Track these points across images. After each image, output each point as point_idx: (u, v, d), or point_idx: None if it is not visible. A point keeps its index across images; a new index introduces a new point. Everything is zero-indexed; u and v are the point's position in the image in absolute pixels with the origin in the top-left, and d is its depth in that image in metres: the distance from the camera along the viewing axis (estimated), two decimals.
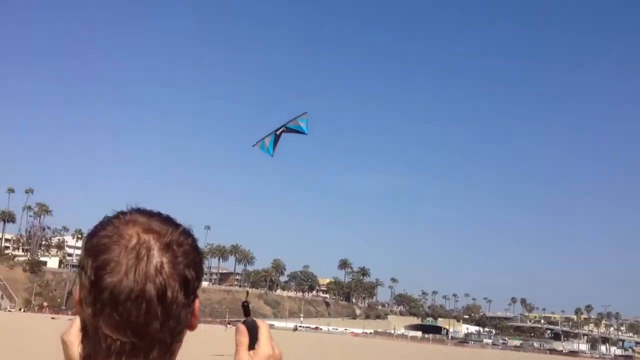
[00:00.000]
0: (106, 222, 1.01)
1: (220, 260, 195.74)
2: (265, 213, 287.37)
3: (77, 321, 1.07)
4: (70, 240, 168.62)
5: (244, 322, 1.21)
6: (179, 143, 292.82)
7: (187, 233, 1.04)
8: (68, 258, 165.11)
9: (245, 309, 1.25)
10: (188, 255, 1.01)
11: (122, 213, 1.02)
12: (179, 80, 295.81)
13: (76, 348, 1.07)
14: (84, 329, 0.98)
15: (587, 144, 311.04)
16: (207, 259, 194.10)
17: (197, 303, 1.08)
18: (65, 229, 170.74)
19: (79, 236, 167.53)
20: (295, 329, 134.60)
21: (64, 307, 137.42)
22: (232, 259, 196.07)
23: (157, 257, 0.96)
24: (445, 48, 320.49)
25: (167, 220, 1.02)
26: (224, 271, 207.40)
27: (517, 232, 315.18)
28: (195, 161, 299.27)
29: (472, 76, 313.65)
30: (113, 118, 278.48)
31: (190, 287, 1.01)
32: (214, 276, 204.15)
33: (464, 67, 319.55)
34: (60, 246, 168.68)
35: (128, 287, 0.93)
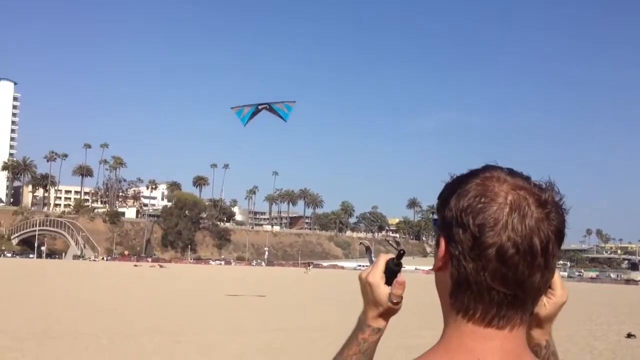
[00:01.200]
0: (468, 180, 1.03)
1: (290, 204, 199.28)
2: (332, 156, 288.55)
3: (381, 262, 1.22)
4: (145, 190, 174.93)
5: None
6: (243, 90, 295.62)
7: (550, 187, 1.05)
8: (144, 208, 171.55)
9: (399, 256, 1.27)
10: (559, 210, 1.03)
11: (480, 170, 1.05)
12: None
13: (383, 289, 1.21)
14: (459, 282, 1.01)
15: None
16: (277, 203, 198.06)
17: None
18: (140, 180, 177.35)
19: (154, 187, 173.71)
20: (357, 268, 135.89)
21: (143, 255, 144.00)
22: (301, 203, 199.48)
23: (537, 212, 0.98)
24: None
25: (528, 177, 1.04)
26: (294, 215, 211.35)
27: (589, 160, 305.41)
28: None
29: None
30: (179, 74, 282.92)
31: (562, 241, 1.04)
32: (284, 220, 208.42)
33: None
34: (136, 197, 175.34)
35: (515, 243, 0.96)
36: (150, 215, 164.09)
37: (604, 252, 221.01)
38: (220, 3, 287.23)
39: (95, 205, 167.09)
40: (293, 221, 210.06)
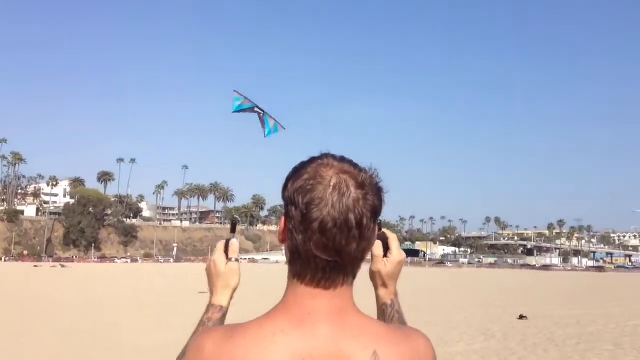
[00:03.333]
0: (306, 166, 1.22)
1: (200, 199, 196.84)
2: (244, 150, 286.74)
3: (219, 247, 1.48)
4: (45, 187, 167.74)
5: (377, 236, 1.40)
6: (150, 85, 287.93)
7: (371, 173, 1.23)
8: (45, 206, 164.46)
9: (378, 225, 1.39)
10: (375, 189, 1.22)
11: (317, 158, 1.24)
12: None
13: (224, 267, 1.46)
14: (293, 251, 1.21)
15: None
16: (187, 198, 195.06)
17: (376, 229, 1.26)
18: (41, 177, 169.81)
19: (55, 183, 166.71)
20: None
21: (43, 255, 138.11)
22: (211, 197, 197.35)
23: (354, 192, 1.17)
24: None
25: (354, 164, 1.24)
26: (204, 210, 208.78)
27: (489, 152, 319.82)
28: (170, 103, 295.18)
29: None
30: (80, 63, 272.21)
31: (377, 216, 1.22)
32: (194, 215, 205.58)
33: None
34: (36, 194, 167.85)
35: (334, 218, 1.16)
36: (51, 213, 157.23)
37: (502, 238, 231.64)
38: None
39: None
40: (203, 216, 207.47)
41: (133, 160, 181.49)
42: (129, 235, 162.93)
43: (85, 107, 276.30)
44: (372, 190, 1.21)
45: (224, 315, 1.45)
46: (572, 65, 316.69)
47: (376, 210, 1.21)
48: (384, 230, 1.47)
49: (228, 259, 1.47)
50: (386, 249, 1.49)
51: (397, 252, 1.49)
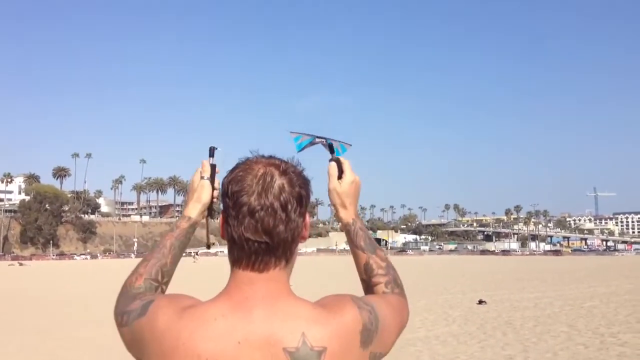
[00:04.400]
0: (240, 163, 1.36)
1: (159, 193, 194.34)
2: (201, 142, 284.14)
3: (207, 167, 1.64)
4: (0, 185, 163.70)
5: (332, 159, 1.67)
6: (105, 79, 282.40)
7: (297, 165, 1.38)
8: (0, 203, 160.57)
9: (330, 148, 1.70)
10: (299, 177, 1.35)
11: (249, 157, 1.37)
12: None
13: (208, 192, 1.63)
14: (230, 239, 1.32)
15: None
16: (145, 192, 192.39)
17: (307, 219, 1.38)
18: None
19: (9, 180, 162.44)
20: None
21: (1, 253, 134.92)
22: (170, 190, 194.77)
23: (279, 180, 1.31)
24: None
25: (281, 159, 1.37)
26: (164, 204, 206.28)
27: (445, 140, 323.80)
28: (124, 96, 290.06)
29: None
30: (31, 58, 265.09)
31: (302, 201, 1.34)
32: (154, 209, 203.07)
33: None
34: None
35: (260, 203, 1.28)
36: (6, 211, 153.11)
37: (461, 225, 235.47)
38: None
39: None
40: (163, 210, 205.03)
41: (89, 155, 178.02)
42: (87, 232, 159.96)
43: (38, 103, 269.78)
44: (295, 179, 1.33)
45: (191, 226, 1.63)
46: (531, 50, 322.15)
47: (301, 197, 1.33)
48: (338, 157, 1.68)
49: (201, 177, 1.63)
50: (341, 172, 1.64)
51: (349, 173, 1.64)
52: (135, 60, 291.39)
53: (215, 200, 1.64)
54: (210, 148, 1.67)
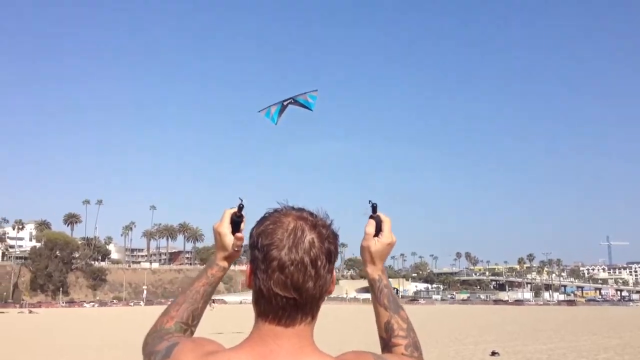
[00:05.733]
0: (268, 215, 1.37)
1: (169, 239, 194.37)
2: (212, 190, 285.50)
3: (226, 215, 1.63)
4: (11, 231, 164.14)
5: (372, 217, 1.64)
6: (116, 126, 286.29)
7: (326, 219, 1.37)
8: (10, 250, 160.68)
9: (373, 208, 1.64)
10: (329, 232, 1.35)
11: (278, 209, 1.38)
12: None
13: (229, 238, 1.62)
14: (257, 291, 1.33)
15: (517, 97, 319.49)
16: (156, 239, 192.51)
17: (334, 274, 1.37)
18: (5, 221, 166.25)
19: (20, 227, 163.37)
20: None
21: (10, 300, 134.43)
22: (180, 237, 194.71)
23: (309, 235, 1.31)
24: None
25: (311, 212, 1.37)
26: (174, 250, 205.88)
27: (456, 188, 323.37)
28: (135, 142, 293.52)
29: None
30: (43, 103, 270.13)
31: (331, 257, 1.34)
32: (164, 256, 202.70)
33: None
34: (1, 239, 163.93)
35: (291, 258, 1.28)
36: (17, 258, 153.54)
37: (474, 274, 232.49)
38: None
39: None
40: (173, 257, 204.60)
41: (100, 202, 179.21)
42: (97, 279, 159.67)
43: (49, 149, 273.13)
44: (326, 235, 1.34)
45: (222, 276, 1.70)
46: (539, 103, 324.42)
47: (330, 253, 1.34)
48: (379, 214, 1.65)
49: (233, 234, 1.63)
50: (379, 230, 1.63)
51: (388, 234, 1.63)
52: (147, 106, 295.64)
53: (236, 250, 1.65)
54: (239, 205, 1.65)
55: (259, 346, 1.32)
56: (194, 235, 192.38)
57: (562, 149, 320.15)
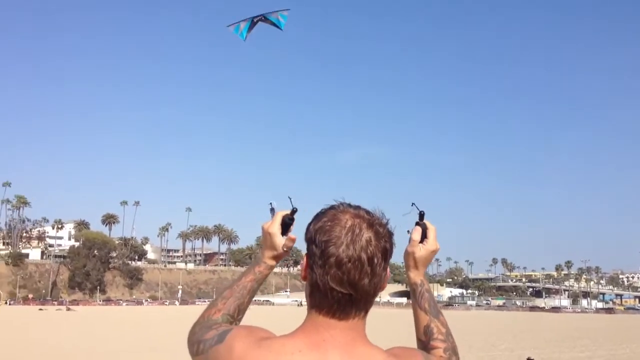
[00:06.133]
0: (325, 211, 1.42)
1: (204, 241, 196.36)
2: (247, 192, 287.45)
3: (278, 217, 1.70)
4: (50, 230, 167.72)
5: (418, 224, 1.71)
6: (154, 128, 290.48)
7: (383, 218, 1.42)
8: (50, 249, 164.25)
9: (421, 216, 1.71)
10: (385, 230, 1.40)
11: (335, 205, 1.43)
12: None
13: (279, 239, 1.70)
14: (313, 285, 1.38)
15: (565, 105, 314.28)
16: (191, 240, 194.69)
17: (388, 271, 1.41)
18: (45, 220, 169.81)
19: (60, 226, 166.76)
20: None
21: (49, 298, 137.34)
22: (215, 239, 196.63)
23: (366, 233, 1.35)
24: None
25: (367, 210, 1.41)
26: (208, 252, 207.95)
27: (494, 193, 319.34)
28: (173, 144, 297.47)
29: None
30: (82, 104, 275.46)
31: (387, 255, 1.39)
32: (199, 257, 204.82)
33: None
34: (41, 237, 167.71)
35: (348, 255, 1.33)
36: (56, 256, 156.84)
37: (510, 280, 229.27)
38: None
39: None
40: (207, 258, 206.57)
41: (137, 203, 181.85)
42: (134, 278, 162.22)
43: (89, 151, 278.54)
44: (382, 233, 1.39)
45: (268, 274, 1.77)
46: (571, 111, 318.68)
47: (386, 251, 1.39)
48: (425, 221, 1.72)
49: (283, 245, 1.71)
50: (424, 237, 1.71)
51: (433, 242, 1.71)
52: (187, 111, 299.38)
53: (286, 250, 1.72)
54: (293, 209, 1.72)
55: (313, 335, 1.37)
56: (228, 237, 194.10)
57: (603, 158, 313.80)
